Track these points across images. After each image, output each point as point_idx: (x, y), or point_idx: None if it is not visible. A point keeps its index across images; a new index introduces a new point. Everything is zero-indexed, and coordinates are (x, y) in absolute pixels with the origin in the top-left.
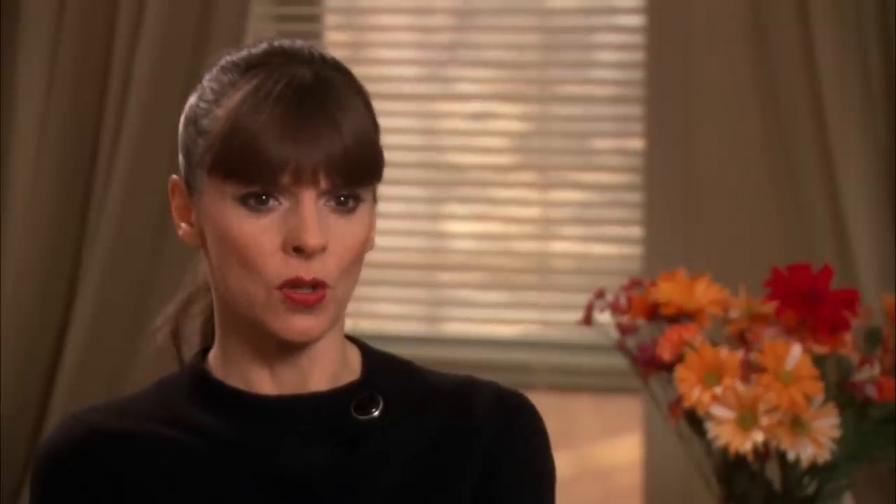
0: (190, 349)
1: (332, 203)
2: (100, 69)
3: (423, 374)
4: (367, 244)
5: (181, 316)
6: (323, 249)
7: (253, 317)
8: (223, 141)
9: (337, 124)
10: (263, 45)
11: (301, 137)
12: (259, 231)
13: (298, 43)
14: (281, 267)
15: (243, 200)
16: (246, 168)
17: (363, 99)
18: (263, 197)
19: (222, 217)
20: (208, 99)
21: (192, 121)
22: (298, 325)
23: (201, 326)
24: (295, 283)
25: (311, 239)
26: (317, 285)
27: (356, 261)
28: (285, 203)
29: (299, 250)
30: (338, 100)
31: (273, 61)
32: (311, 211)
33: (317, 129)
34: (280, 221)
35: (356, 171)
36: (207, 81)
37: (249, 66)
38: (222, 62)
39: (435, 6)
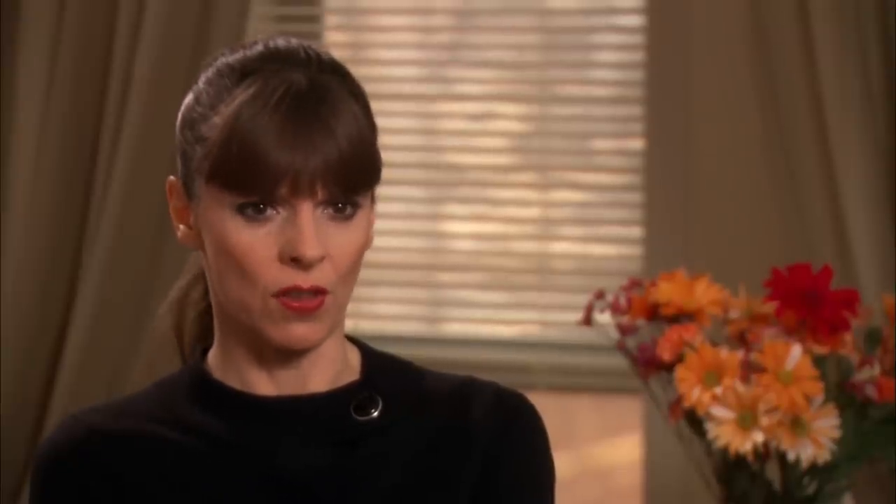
0: (188, 340)
1: (330, 211)
2: (100, 69)
3: (423, 375)
4: (365, 248)
5: (184, 302)
6: (321, 259)
7: (251, 324)
8: (220, 150)
9: (334, 134)
10: (259, 48)
11: (298, 147)
12: (256, 240)
13: (294, 42)
14: (278, 276)
15: (241, 209)
16: (243, 179)
17: (360, 101)
18: (261, 206)
19: (220, 225)
20: (205, 103)
21: (189, 124)
22: (296, 332)
23: (199, 317)
24: (293, 291)
25: (309, 250)
26: (316, 292)
27: (355, 266)
28: (283, 212)
29: (297, 260)
30: (333, 107)
31: (268, 67)
32: (309, 222)
33: (313, 138)
34: (278, 231)
35: (353, 180)
36: (203, 84)
37: (245, 73)
38: (218, 63)
39: (435, 6)
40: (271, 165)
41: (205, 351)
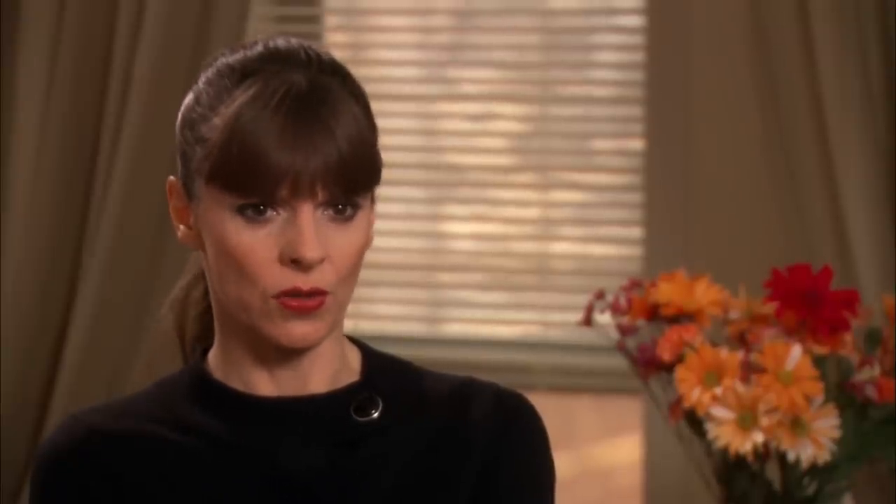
0: (189, 339)
1: (331, 212)
2: (100, 69)
3: (423, 375)
4: (365, 249)
5: (185, 302)
6: (321, 261)
7: (251, 324)
8: (221, 151)
9: (333, 135)
10: (259, 48)
11: (298, 148)
12: (257, 242)
13: (294, 43)
14: (279, 277)
15: (241, 211)
16: (244, 180)
17: (360, 102)
18: (261, 207)
19: (220, 226)
20: (205, 104)
21: (189, 125)
22: (297, 331)
23: (199, 317)
24: (293, 293)
25: (310, 252)
26: (316, 294)
27: (355, 268)
28: (283, 213)
29: (297, 262)
30: (333, 108)
31: (269, 68)
32: (309, 223)
33: (314, 139)
34: (278, 232)
35: (353, 181)
36: (203, 84)
37: (245, 74)
38: (218, 63)
39: (435, 7)
40: (272, 167)
41: (205, 351)
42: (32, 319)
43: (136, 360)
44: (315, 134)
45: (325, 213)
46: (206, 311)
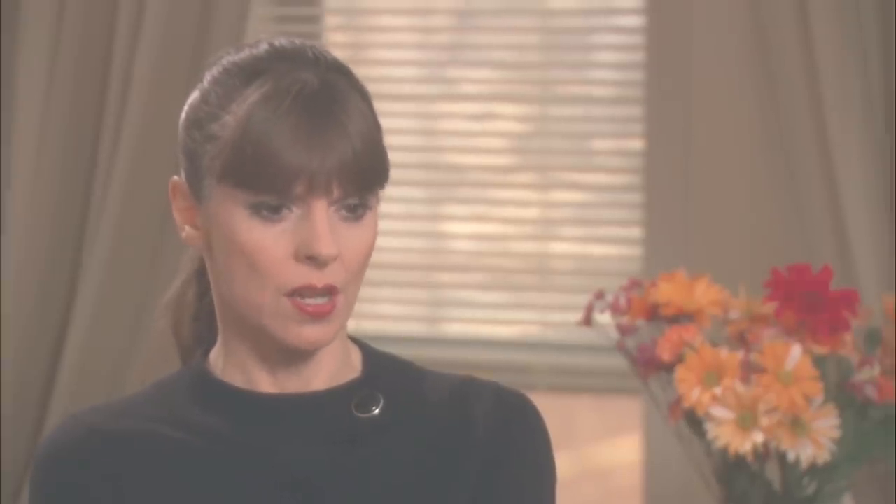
0: (185, 342)
1: (343, 211)
2: (100, 69)
3: (424, 374)
4: (373, 248)
5: (180, 304)
6: (336, 258)
7: (260, 324)
8: (235, 149)
9: (347, 133)
10: (264, 47)
11: (314, 146)
12: (270, 239)
13: (298, 42)
14: (292, 274)
15: (255, 208)
16: (259, 178)
17: (367, 101)
18: (275, 205)
19: (233, 224)
20: (213, 103)
21: (197, 124)
22: (308, 334)
23: (194, 318)
24: (306, 291)
25: (325, 249)
26: (330, 291)
27: (364, 266)
28: (297, 211)
29: (312, 259)
30: (345, 106)
31: (277, 66)
32: (324, 220)
33: (328, 137)
34: (292, 230)
35: (367, 178)
36: (210, 83)
37: (255, 72)
38: (224, 63)
39: (435, 7)
40: (288, 165)
41: (205, 352)
42: (32, 319)
43: (136, 360)
44: (330, 132)
45: (339, 211)
46: (201, 313)
